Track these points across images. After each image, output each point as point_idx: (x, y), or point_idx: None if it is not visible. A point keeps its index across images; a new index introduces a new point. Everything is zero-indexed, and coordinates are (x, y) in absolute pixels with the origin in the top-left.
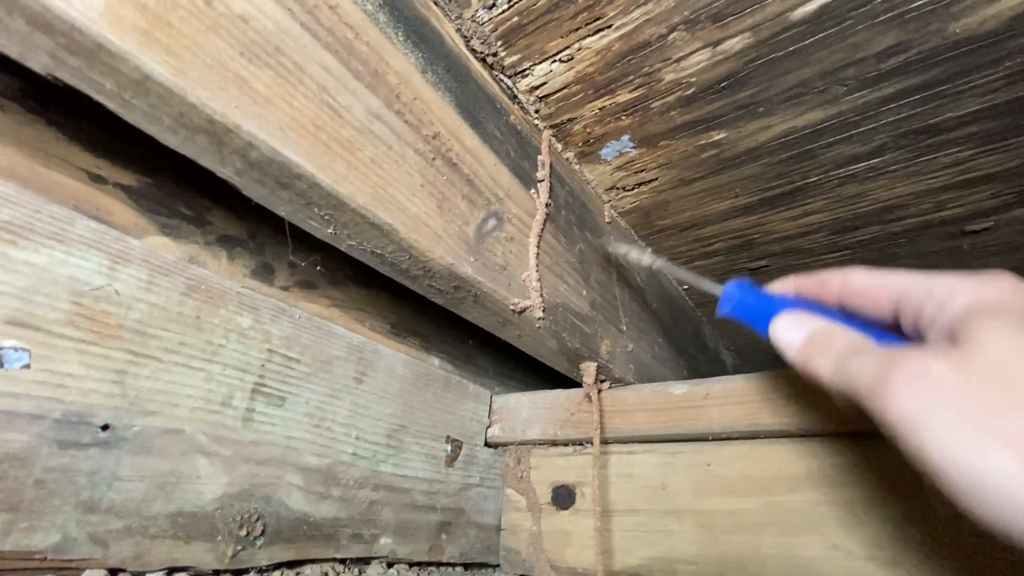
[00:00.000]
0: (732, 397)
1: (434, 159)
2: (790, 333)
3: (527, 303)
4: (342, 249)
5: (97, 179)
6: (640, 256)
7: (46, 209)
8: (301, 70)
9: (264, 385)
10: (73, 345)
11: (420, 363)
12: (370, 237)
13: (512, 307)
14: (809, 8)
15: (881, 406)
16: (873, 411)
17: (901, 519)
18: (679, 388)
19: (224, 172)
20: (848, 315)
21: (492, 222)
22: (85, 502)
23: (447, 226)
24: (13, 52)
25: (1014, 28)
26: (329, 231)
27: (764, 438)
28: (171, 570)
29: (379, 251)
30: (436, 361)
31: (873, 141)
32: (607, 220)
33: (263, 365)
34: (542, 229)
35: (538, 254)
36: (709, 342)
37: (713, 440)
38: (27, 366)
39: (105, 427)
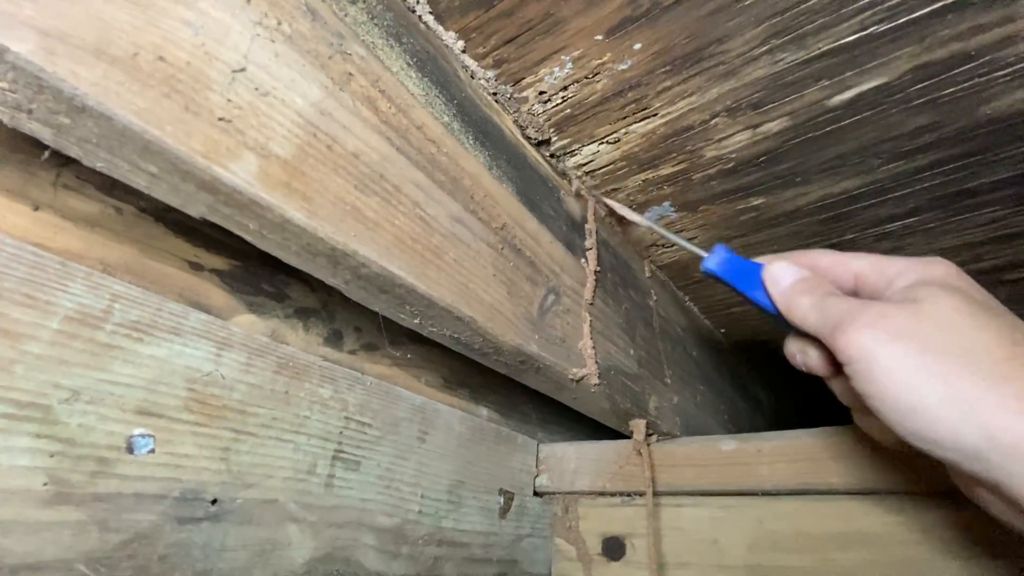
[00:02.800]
0: (782, 455)
1: (503, 248)
2: (783, 274)
3: (584, 372)
4: (424, 334)
5: (196, 267)
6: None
7: (166, 307)
8: (399, 191)
9: (342, 451)
10: (188, 428)
11: (473, 418)
12: (452, 326)
13: (571, 377)
14: (846, 96)
15: (845, 340)
16: (837, 346)
17: None
18: (728, 444)
19: (333, 282)
20: None
21: (551, 298)
22: (199, 573)
23: (515, 309)
24: (175, 203)
25: None
26: (416, 321)
27: (815, 495)
28: None
29: (456, 335)
30: (484, 411)
31: (908, 204)
32: (647, 275)
33: (341, 432)
34: (593, 296)
35: (591, 321)
36: (747, 382)
37: (763, 496)
38: (152, 451)
39: (214, 501)
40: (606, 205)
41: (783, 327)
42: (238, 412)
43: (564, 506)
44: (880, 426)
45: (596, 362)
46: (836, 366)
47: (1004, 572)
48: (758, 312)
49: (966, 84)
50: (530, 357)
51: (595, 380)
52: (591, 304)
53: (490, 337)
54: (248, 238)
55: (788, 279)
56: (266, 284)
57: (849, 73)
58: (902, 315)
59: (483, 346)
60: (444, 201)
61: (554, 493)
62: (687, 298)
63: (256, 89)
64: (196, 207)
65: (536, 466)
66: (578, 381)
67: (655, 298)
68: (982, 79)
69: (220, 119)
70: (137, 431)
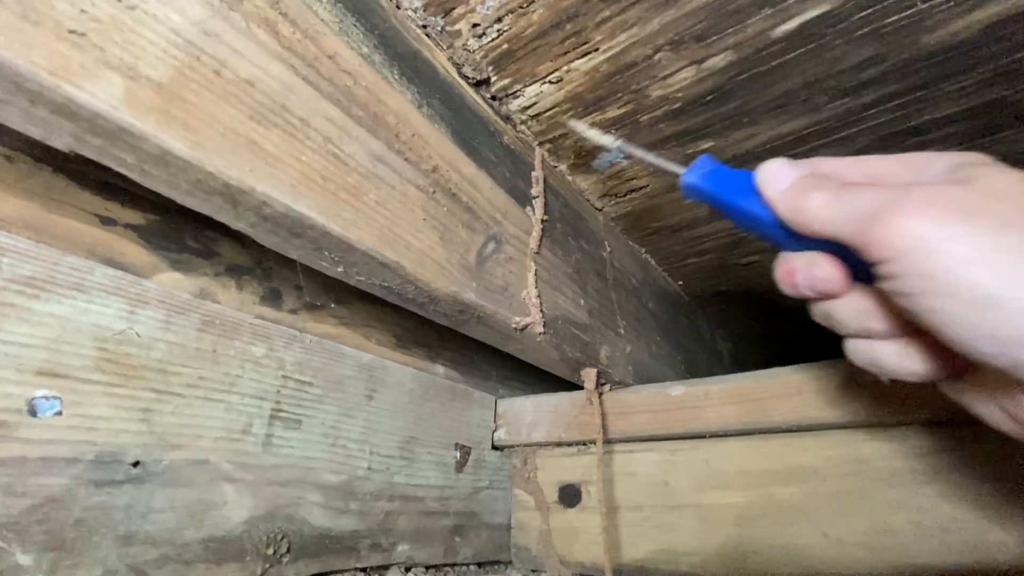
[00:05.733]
0: (727, 397)
1: (434, 192)
2: (781, 173)
3: (528, 320)
4: (351, 283)
5: (108, 221)
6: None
7: (65, 261)
8: (307, 124)
9: (281, 410)
10: (101, 389)
11: (427, 375)
12: (378, 274)
13: (514, 325)
14: (789, 26)
15: (888, 231)
16: (874, 240)
17: (888, 507)
18: (677, 389)
19: (238, 225)
20: None
21: (491, 245)
22: (122, 536)
23: (449, 256)
24: (35, 134)
25: (985, 38)
26: (339, 270)
27: (758, 434)
28: None
29: (387, 284)
30: (441, 369)
31: (857, 143)
32: (601, 226)
33: (279, 391)
34: (539, 244)
35: (536, 270)
36: (705, 333)
37: (711, 438)
38: (59, 413)
39: (136, 464)
40: (570, 127)
41: (779, 242)
42: (159, 372)
43: (523, 458)
44: (877, 355)
45: (541, 311)
46: (855, 276)
47: (934, 496)
48: (716, 263)
49: (908, 12)
50: (468, 306)
51: (540, 329)
52: (537, 253)
53: (422, 284)
54: (131, 175)
55: (789, 178)
56: (191, 240)
57: (792, 0)
58: (960, 191)
59: (417, 295)
60: (363, 138)
61: (512, 446)
62: (643, 250)
63: (119, 1)
64: (61, 137)
65: (494, 420)
66: (521, 330)
67: (609, 249)
68: (924, 6)
69: (71, 32)
70: (40, 393)
